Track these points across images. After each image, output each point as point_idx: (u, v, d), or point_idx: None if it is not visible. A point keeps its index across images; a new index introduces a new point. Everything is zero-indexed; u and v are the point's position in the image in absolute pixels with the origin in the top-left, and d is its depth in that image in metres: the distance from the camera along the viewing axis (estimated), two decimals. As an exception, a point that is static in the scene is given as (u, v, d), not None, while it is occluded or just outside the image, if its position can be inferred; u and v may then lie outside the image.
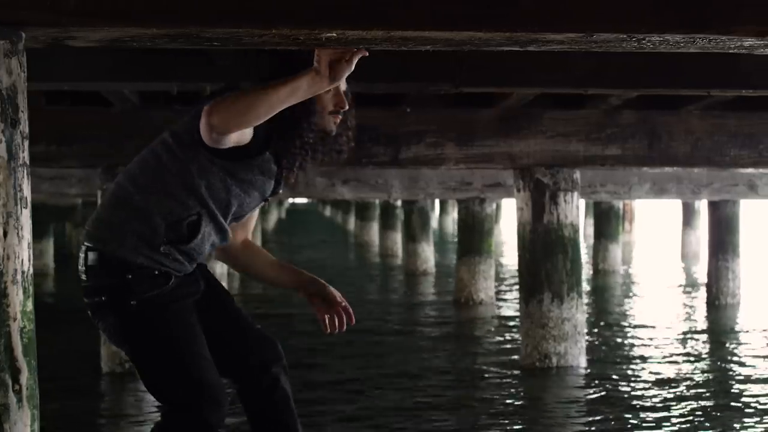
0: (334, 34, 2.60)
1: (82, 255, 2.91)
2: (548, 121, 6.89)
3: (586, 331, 9.12)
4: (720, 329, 9.77)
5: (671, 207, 30.74)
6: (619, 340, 9.03)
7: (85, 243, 2.92)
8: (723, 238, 11.84)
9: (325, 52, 2.70)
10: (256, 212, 3.22)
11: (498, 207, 28.51)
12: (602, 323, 10.27)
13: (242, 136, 2.84)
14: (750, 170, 8.98)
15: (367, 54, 2.73)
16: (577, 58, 4.87)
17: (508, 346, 8.55)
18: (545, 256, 7.00)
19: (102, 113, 6.84)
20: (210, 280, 3.09)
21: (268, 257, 3.22)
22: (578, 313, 7.07)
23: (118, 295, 2.84)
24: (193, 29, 2.62)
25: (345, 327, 3.06)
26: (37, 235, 16.44)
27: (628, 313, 11.30)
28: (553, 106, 6.98)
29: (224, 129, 2.77)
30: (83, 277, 2.91)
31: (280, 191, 3.12)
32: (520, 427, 5.60)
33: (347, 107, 2.96)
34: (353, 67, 2.72)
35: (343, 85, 2.92)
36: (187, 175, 2.86)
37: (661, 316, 10.73)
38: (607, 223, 16.27)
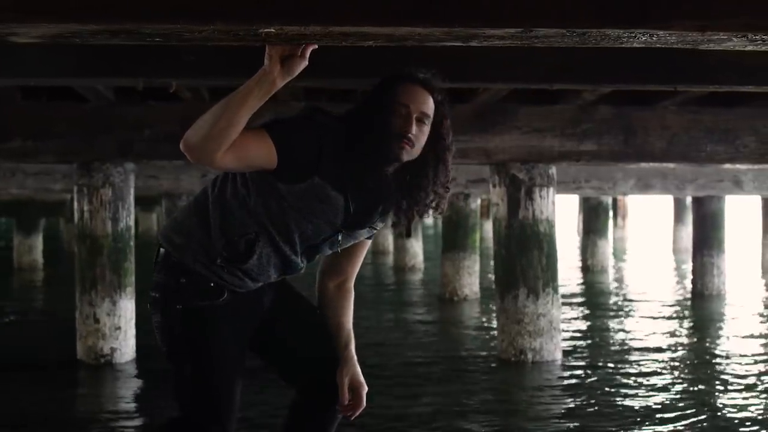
0: (273, 30, 2.59)
1: (157, 251, 2.90)
2: (523, 117, 6.88)
3: (569, 326, 9.15)
4: (703, 325, 9.78)
5: (664, 202, 30.74)
6: (599, 335, 9.03)
7: (160, 239, 2.90)
8: (708, 234, 11.86)
9: (274, 49, 2.66)
10: (355, 258, 3.02)
11: (489, 203, 28.47)
12: (584, 319, 10.27)
13: (251, 160, 2.65)
14: (727, 166, 8.96)
15: (317, 47, 2.72)
16: (543, 53, 4.86)
17: (488, 341, 8.55)
18: (521, 252, 7.00)
19: (77, 109, 6.85)
20: (284, 294, 3.00)
21: (343, 317, 3.02)
22: (554, 308, 7.07)
23: (168, 296, 2.81)
24: (130, 25, 2.61)
25: (347, 414, 2.96)
26: (26, 230, 16.44)
27: (611, 309, 11.30)
28: (528, 101, 6.97)
29: (200, 153, 2.56)
30: (154, 271, 2.90)
31: (370, 227, 2.88)
32: (488, 419, 5.61)
33: (413, 132, 2.74)
34: (306, 62, 2.67)
35: (416, 111, 2.75)
36: (246, 193, 2.77)
37: (644, 312, 10.74)
38: (596, 218, 16.26)
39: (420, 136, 2.77)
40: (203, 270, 2.79)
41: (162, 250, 2.86)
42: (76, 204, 7.13)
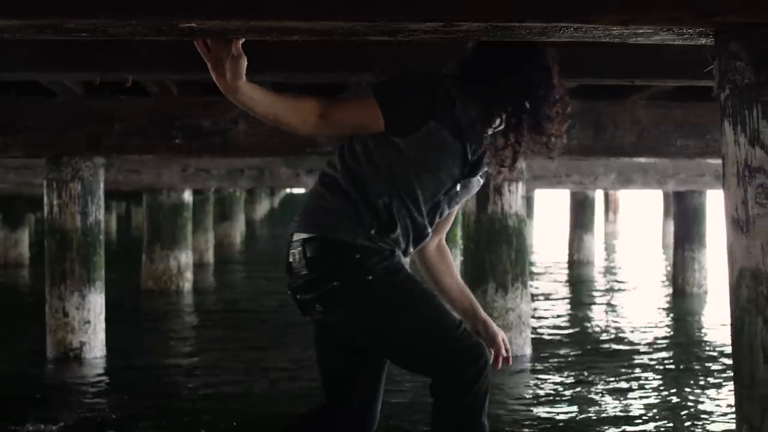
0: (194, 25, 2.60)
1: (296, 249, 2.73)
2: (492, 111, 6.86)
3: (543, 322, 9.16)
4: (680, 320, 9.78)
5: (656, 196, 30.76)
6: (572, 331, 9.04)
7: (297, 235, 2.76)
8: (689, 229, 11.85)
9: (208, 61, 2.65)
10: (451, 213, 2.97)
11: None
12: (560, 314, 10.29)
13: (356, 122, 2.75)
14: (709, 160, 8.95)
15: (243, 40, 2.73)
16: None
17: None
18: (489, 246, 7.01)
19: (46, 104, 6.83)
20: None
21: (453, 270, 3.02)
22: (523, 303, 7.08)
23: (352, 278, 2.69)
24: (54, 20, 2.62)
25: (500, 366, 2.88)
26: (12, 225, 16.43)
27: (589, 304, 11.31)
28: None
29: (294, 130, 2.73)
30: (303, 271, 2.72)
31: (480, 175, 2.87)
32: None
33: None
34: (245, 58, 2.67)
35: None
36: (369, 154, 2.76)
37: (622, 308, 10.76)
38: (582, 213, 16.27)
39: None
40: (367, 242, 2.70)
41: (313, 244, 2.71)
42: (45, 198, 7.16)
